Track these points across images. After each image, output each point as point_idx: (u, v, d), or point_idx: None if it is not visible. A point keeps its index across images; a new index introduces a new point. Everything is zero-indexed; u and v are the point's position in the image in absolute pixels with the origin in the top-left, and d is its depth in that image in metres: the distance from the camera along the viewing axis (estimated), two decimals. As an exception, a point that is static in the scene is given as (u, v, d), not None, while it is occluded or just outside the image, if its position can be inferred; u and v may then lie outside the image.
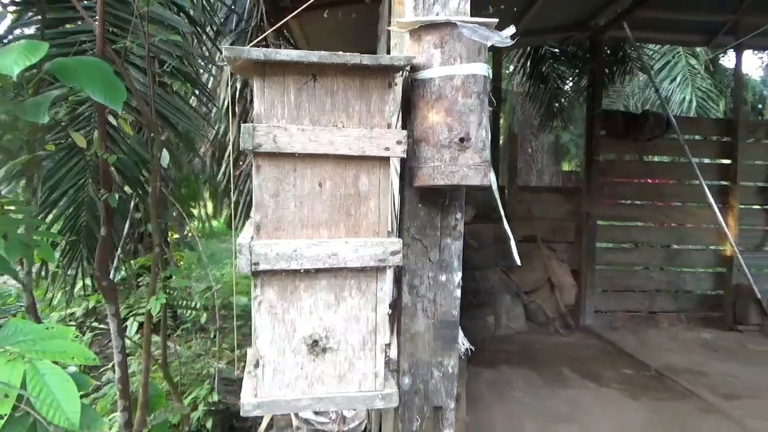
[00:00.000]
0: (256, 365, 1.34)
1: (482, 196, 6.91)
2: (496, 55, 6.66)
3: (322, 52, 1.25)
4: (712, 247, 7.04)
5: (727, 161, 6.85)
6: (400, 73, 1.42)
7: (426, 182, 1.34)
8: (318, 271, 1.35)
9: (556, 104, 7.46)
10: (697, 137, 6.95)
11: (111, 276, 2.99)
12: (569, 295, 6.67)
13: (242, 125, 1.25)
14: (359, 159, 1.34)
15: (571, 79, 7.44)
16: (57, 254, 3.20)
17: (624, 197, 7.00)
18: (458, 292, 1.51)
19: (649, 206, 6.94)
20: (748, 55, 10.57)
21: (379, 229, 1.37)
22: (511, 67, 8.18)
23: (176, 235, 6.41)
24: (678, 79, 8.77)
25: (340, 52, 1.26)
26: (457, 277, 1.51)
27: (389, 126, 1.34)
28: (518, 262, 1.59)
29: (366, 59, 1.27)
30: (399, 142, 1.33)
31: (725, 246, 6.79)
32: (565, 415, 4.34)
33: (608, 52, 7.02)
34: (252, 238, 1.32)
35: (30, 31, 3.09)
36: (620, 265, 6.97)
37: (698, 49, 9.17)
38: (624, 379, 5.15)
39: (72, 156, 3.09)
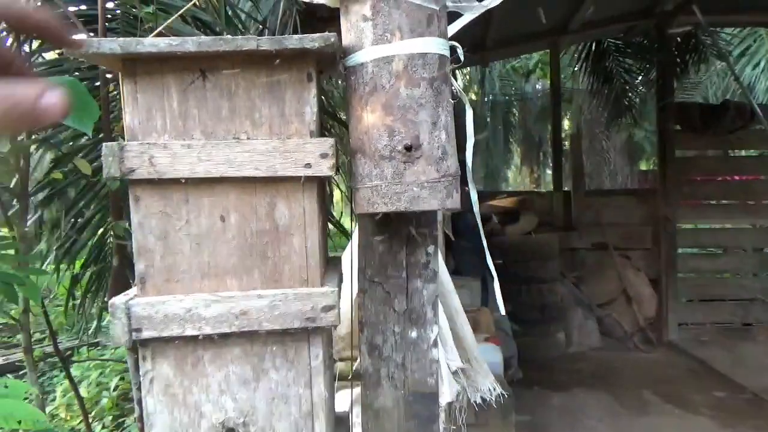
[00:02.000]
0: (154, 463, 0.97)
1: (545, 202, 6.30)
2: (553, 51, 6.05)
3: (203, 37, 0.87)
4: (812, 249, 6.03)
5: (826, 152, 5.85)
6: (338, 62, 1.01)
7: (365, 209, 0.93)
8: (227, 336, 0.96)
9: (625, 100, 6.70)
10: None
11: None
12: (648, 306, 5.89)
13: (104, 145, 0.89)
14: (273, 181, 0.94)
15: (639, 72, 6.67)
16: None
17: (707, 197, 6.13)
18: (434, 353, 1.08)
19: (737, 206, 6.03)
20: None
21: (308, 275, 0.96)
22: (576, 66, 7.50)
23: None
24: (762, 64, 7.70)
25: (228, 36, 0.88)
26: (433, 332, 1.07)
27: (312, 133, 0.94)
28: (503, 310, 1.14)
29: (265, 42, 0.88)
30: (324, 156, 0.92)
31: (829, 247, 5.78)
32: (645, 449, 3.71)
33: (678, 40, 6.20)
34: (135, 295, 0.95)
35: None
36: (707, 272, 6.09)
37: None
38: (715, 404, 4.39)
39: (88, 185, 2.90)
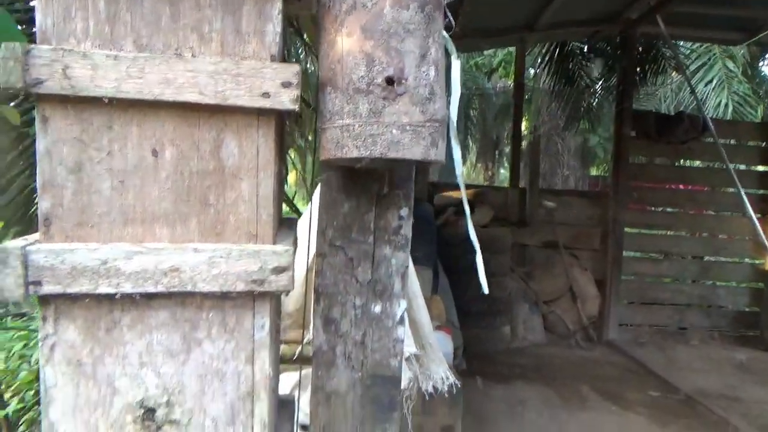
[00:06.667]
0: (50, 447, 0.78)
1: (500, 197, 6.25)
2: (520, 47, 5.98)
3: None
4: (748, 260, 6.21)
5: (768, 168, 6.03)
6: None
7: (332, 153, 0.75)
8: (152, 296, 0.78)
9: (584, 104, 6.72)
10: (733, 142, 6.14)
11: None
12: (592, 306, 5.94)
13: (3, 45, 0.69)
14: (221, 112, 0.76)
15: (599, 77, 6.70)
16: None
17: (654, 203, 6.22)
18: (400, 332, 0.92)
19: (681, 214, 6.15)
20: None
21: (257, 229, 0.79)
22: (540, 66, 7.50)
23: None
24: (714, 82, 7.88)
25: None
26: (400, 307, 0.92)
27: (273, 57, 0.76)
28: (485, 289, 1.00)
29: (221, -66, 0.69)
30: (287, 85, 0.74)
31: (764, 259, 5.96)
32: (583, 443, 3.69)
33: (640, 49, 6.25)
34: (36, 240, 0.76)
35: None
36: (648, 276, 6.19)
37: (736, 52, 8.29)
38: (650, 403, 4.44)
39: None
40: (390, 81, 0.72)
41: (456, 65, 0.94)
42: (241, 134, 0.77)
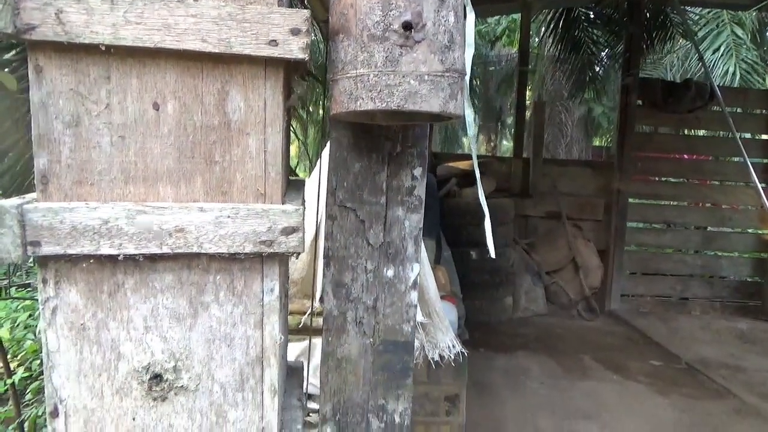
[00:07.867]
0: (54, 414, 0.75)
1: (504, 167, 6.19)
2: (525, 12, 5.84)
3: None
4: (752, 231, 6.19)
5: (775, 137, 5.95)
6: None
7: (345, 106, 0.71)
8: (156, 258, 0.74)
9: (589, 73, 6.60)
10: (739, 110, 6.05)
11: None
12: (594, 276, 5.94)
13: (-10, -15, 0.64)
14: (225, 62, 0.71)
15: (606, 45, 6.56)
16: None
17: (659, 174, 6.17)
18: (413, 296, 0.89)
19: (685, 184, 6.10)
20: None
21: (265, 188, 0.75)
22: (545, 33, 7.34)
23: None
24: (722, 49, 7.73)
25: None
26: (413, 271, 0.88)
27: (281, 2, 0.71)
28: (492, 253, 0.96)
29: None
30: (296, 31, 0.69)
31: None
32: (584, 411, 3.71)
33: (647, 15, 6.11)
34: (33, 199, 0.72)
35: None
36: (651, 247, 6.17)
37: (745, 18, 8.11)
38: (651, 372, 4.47)
39: None
40: (407, 26, 0.67)
41: (470, 18, 0.89)
42: (248, 86, 0.72)
